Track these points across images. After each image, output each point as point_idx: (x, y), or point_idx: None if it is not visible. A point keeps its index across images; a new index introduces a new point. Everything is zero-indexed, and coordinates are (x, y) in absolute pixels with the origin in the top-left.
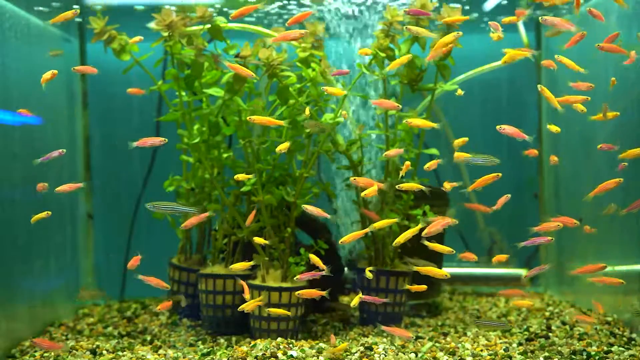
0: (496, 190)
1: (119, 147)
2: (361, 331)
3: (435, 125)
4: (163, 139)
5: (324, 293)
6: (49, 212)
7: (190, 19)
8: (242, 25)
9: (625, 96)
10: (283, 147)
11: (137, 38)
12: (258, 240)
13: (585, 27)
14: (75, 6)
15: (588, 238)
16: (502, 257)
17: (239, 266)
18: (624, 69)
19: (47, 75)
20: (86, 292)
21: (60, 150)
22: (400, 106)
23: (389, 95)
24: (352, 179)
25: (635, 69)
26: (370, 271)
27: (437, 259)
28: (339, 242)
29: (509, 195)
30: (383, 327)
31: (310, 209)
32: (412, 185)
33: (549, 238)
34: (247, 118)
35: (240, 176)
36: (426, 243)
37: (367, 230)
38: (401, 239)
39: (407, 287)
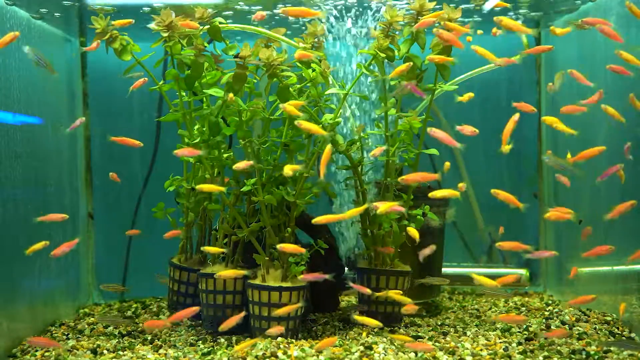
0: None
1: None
2: (361, 330)
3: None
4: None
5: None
6: (47, 242)
7: (191, 19)
8: (242, 26)
9: (625, 96)
10: (287, 170)
11: (127, 21)
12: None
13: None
14: (76, 3)
15: (588, 238)
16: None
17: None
18: None
19: None
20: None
21: (81, 118)
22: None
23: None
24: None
25: (634, 69)
26: (369, 270)
27: (436, 261)
28: (312, 221)
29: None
30: (407, 345)
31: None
32: None
33: (553, 252)
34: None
35: (205, 187)
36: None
37: None
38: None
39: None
